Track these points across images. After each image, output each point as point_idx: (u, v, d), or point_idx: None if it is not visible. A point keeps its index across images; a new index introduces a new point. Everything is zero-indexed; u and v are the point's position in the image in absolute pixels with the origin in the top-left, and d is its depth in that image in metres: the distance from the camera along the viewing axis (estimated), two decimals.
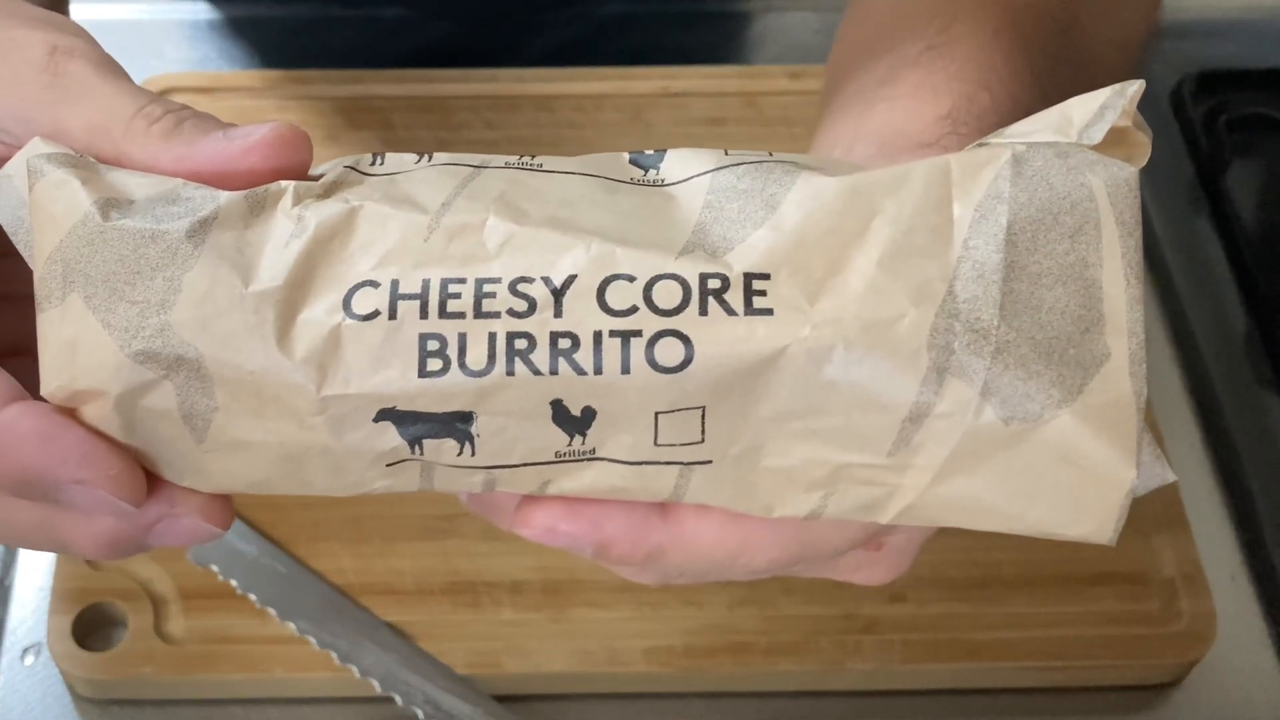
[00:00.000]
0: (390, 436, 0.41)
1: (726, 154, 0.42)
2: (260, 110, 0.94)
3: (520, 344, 0.39)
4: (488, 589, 0.76)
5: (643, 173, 0.41)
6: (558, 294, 0.39)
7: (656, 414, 0.39)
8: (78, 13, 0.99)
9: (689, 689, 0.75)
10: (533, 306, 0.39)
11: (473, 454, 0.41)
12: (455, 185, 0.40)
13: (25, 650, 0.76)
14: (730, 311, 0.39)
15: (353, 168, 0.42)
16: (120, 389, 0.39)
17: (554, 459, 0.41)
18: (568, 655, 0.74)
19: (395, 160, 0.42)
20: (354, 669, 0.72)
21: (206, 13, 1.02)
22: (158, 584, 0.75)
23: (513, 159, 0.43)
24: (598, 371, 0.39)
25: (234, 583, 0.74)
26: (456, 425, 0.40)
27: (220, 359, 0.39)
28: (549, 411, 0.40)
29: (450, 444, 0.41)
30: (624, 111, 0.95)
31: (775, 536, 0.44)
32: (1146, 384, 0.39)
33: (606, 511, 0.43)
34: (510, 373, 0.39)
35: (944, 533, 0.78)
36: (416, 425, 0.40)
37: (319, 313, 0.39)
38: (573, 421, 0.40)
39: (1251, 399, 0.86)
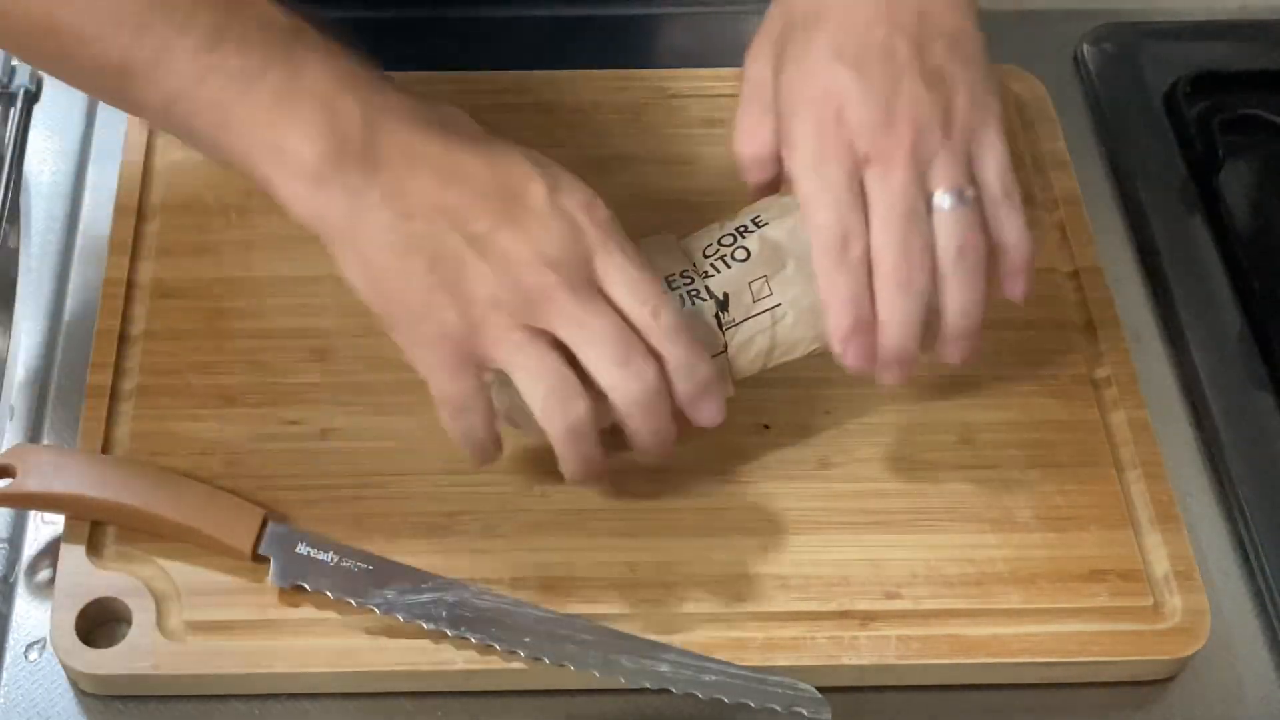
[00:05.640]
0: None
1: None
2: None
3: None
4: (487, 585, 0.76)
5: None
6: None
7: (749, 283, 0.76)
8: None
9: (686, 684, 0.75)
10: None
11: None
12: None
13: (29, 646, 0.76)
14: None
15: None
16: None
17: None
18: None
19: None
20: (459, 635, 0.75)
21: None
22: (160, 581, 0.76)
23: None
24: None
25: (326, 592, 0.75)
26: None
27: None
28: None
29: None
30: (622, 113, 0.96)
31: None
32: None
33: None
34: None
35: (939, 532, 0.79)
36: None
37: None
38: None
39: (1244, 398, 0.87)
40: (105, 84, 0.73)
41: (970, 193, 0.73)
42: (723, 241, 0.77)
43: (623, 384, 0.71)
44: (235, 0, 0.71)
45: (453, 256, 0.70)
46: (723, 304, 0.76)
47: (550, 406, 0.71)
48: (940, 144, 0.72)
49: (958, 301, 0.73)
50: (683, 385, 0.73)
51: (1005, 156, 0.74)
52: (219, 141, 0.71)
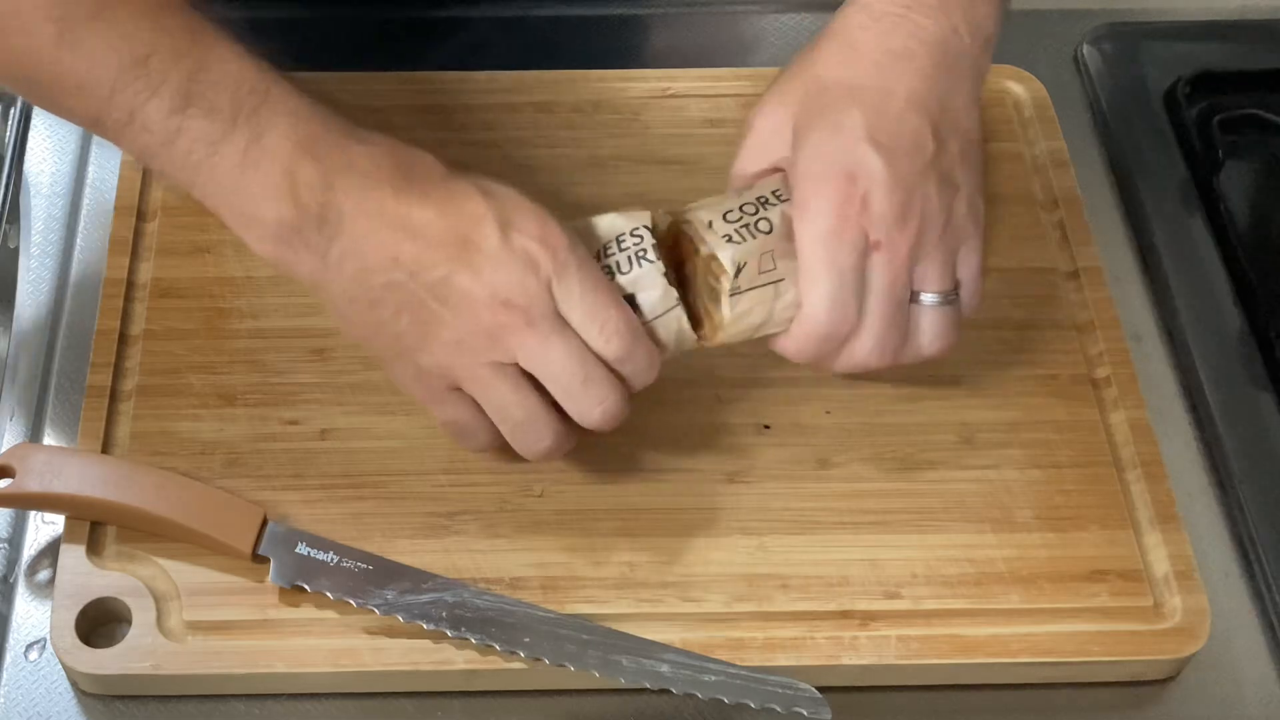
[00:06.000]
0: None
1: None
2: None
3: None
4: (487, 585, 0.76)
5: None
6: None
7: (763, 254, 0.76)
8: None
9: (686, 684, 0.75)
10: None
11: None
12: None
13: (29, 646, 0.76)
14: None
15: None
16: None
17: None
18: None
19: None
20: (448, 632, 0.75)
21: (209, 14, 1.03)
22: (160, 581, 0.76)
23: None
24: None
25: (326, 593, 0.75)
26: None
27: None
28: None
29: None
30: (622, 113, 0.96)
31: None
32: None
33: None
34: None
35: (939, 532, 0.79)
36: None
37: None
38: None
39: (1244, 398, 0.87)
40: (87, 129, 0.77)
41: (954, 296, 0.77)
42: (744, 209, 0.77)
43: (585, 412, 0.74)
44: (207, 59, 0.72)
45: (414, 305, 0.72)
46: (739, 270, 0.75)
47: (519, 439, 0.75)
48: (937, 243, 0.75)
49: (918, 360, 0.78)
50: (640, 381, 0.76)
51: (981, 263, 0.78)
52: (192, 193, 0.75)
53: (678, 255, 0.78)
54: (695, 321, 0.77)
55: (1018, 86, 0.98)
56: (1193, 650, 0.76)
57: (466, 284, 0.72)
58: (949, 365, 0.85)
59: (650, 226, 0.76)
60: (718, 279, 0.76)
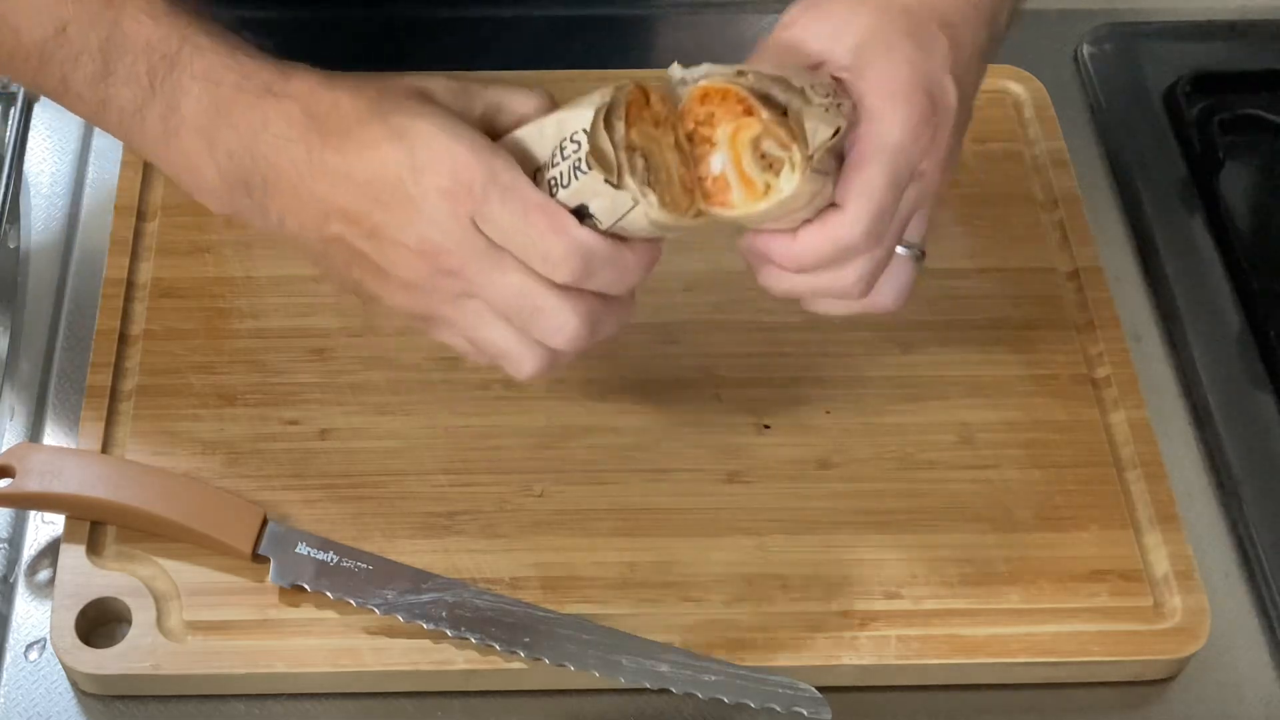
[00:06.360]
0: None
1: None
2: None
3: None
4: (487, 585, 0.76)
5: None
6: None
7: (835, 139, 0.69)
8: None
9: (686, 684, 0.76)
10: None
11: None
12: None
13: (29, 646, 0.76)
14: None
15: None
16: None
17: None
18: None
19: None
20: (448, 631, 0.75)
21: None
22: (160, 581, 0.76)
23: None
24: None
25: (327, 592, 0.75)
26: None
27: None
28: None
29: None
30: None
31: None
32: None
33: None
34: None
35: (939, 532, 0.79)
36: None
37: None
38: None
39: (1244, 397, 0.87)
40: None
41: (920, 254, 0.75)
42: (825, 84, 0.71)
43: (546, 340, 0.71)
44: (120, 22, 0.72)
45: (358, 257, 0.71)
46: (825, 145, 0.68)
47: (502, 366, 0.72)
48: (934, 196, 0.74)
49: (871, 311, 0.75)
50: (618, 292, 0.71)
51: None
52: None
53: (703, 113, 0.69)
54: (716, 187, 0.69)
55: (1018, 86, 0.98)
56: (1193, 650, 0.76)
57: (394, 235, 0.70)
58: (949, 365, 0.85)
59: (588, 129, 0.67)
60: (786, 147, 0.68)
